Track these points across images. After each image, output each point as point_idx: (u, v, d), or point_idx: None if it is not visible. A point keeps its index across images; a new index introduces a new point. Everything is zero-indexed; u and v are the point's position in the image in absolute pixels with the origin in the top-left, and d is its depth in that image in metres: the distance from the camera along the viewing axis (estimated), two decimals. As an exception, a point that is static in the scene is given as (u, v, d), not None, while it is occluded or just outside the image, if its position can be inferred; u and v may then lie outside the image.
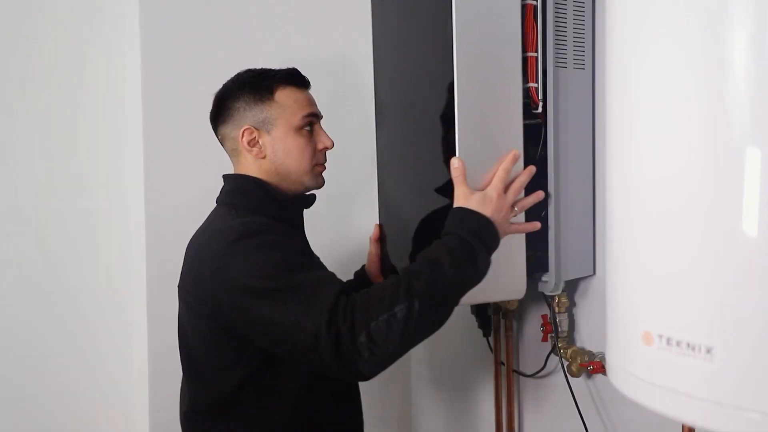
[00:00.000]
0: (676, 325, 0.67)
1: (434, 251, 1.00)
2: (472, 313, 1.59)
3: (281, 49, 1.69)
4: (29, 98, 1.57)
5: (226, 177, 1.21)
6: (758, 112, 0.60)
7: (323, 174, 1.23)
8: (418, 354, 1.95)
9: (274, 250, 1.03)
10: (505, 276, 1.12)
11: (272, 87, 1.17)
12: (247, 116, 1.16)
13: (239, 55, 1.55)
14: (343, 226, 1.81)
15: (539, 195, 1.12)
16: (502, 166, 1.07)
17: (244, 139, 1.16)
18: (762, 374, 0.61)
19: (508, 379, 1.55)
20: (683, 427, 1.11)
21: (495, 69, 1.11)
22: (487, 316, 1.57)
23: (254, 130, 1.16)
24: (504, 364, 1.56)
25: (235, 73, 1.21)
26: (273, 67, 1.21)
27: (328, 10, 1.78)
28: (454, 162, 1.06)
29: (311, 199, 1.25)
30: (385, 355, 0.93)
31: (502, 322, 1.54)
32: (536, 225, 1.13)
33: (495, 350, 1.57)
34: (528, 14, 1.23)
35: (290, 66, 1.22)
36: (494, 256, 1.04)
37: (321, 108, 1.24)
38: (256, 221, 1.09)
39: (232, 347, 1.08)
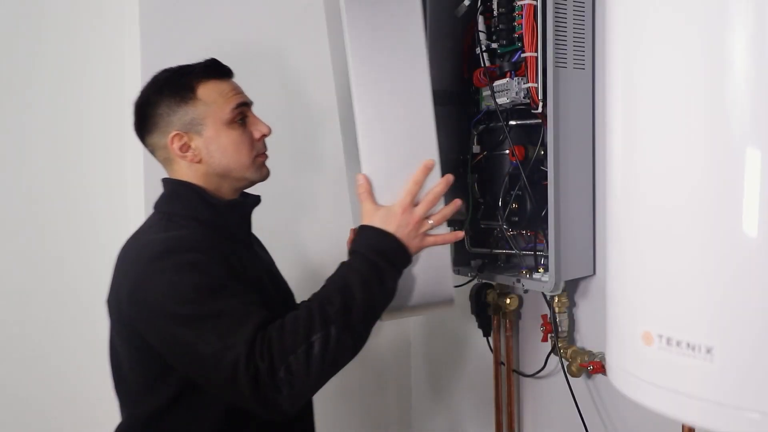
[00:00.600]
0: (676, 325, 0.67)
1: (341, 274, 0.98)
2: (472, 312, 1.59)
3: (281, 49, 1.69)
4: (30, 99, 1.57)
5: (163, 181, 1.14)
6: (758, 111, 0.60)
7: (267, 164, 1.16)
8: (417, 354, 1.95)
9: (194, 272, 0.96)
10: (431, 286, 1.08)
11: (192, 84, 1.09)
12: (172, 121, 1.08)
13: (239, 54, 1.55)
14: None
15: (456, 204, 1.07)
16: (412, 179, 1.05)
17: (174, 145, 1.08)
18: (762, 374, 0.61)
19: (508, 379, 1.55)
20: (683, 427, 1.11)
21: (397, 72, 1.06)
22: (487, 315, 1.57)
23: (183, 134, 1.08)
24: (504, 364, 1.56)
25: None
26: (194, 62, 1.14)
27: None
28: (359, 178, 1.05)
29: (253, 202, 1.17)
30: (305, 388, 0.91)
31: (502, 322, 1.54)
32: (458, 235, 1.09)
33: (495, 350, 1.57)
34: (528, 14, 1.23)
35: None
36: (418, 268, 1.04)
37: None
38: (180, 237, 1.03)
39: (157, 367, 1.02)
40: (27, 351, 1.57)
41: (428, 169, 1.06)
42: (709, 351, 0.63)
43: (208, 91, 1.09)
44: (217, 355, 0.90)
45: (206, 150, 1.09)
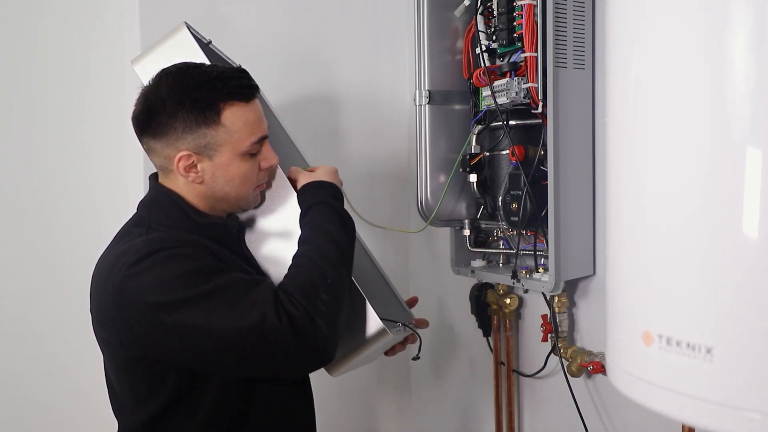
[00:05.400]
0: (676, 325, 0.67)
1: (316, 223, 1.06)
2: (472, 312, 1.59)
3: (282, 50, 1.69)
4: (31, 101, 1.58)
5: (150, 181, 1.09)
6: (759, 112, 0.60)
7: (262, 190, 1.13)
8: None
9: (183, 261, 0.94)
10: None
11: (219, 106, 0.99)
12: (186, 139, 1.00)
13: (239, 54, 1.55)
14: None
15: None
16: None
17: (180, 164, 1.01)
18: (762, 374, 0.61)
19: (508, 379, 1.55)
20: (683, 427, 1.11)
21: None
22: (487, 316, 1.57)
23: (193, 155, 1.00)
24: (504, 364, 1.56)
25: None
26: (221, 64, 1.08)
27: (329, 8, 1.78)
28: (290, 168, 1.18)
29: (234, 224, 1.11)
30: (336, 326, 0.98)
31: (502, 322, 1.54)
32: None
33: (495, 350, 1.57)
34: (528, 14, 1.23)
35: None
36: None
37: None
38: (162, 237, 0.99)
39: (146, 379, 1.01)
40: (33, 349, 1.59)
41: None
42: (709, 351, 0.63)
43: (233, 117, 1.01)
44: (235, 323, 0.91)
45: (211, 174, 1.03)
